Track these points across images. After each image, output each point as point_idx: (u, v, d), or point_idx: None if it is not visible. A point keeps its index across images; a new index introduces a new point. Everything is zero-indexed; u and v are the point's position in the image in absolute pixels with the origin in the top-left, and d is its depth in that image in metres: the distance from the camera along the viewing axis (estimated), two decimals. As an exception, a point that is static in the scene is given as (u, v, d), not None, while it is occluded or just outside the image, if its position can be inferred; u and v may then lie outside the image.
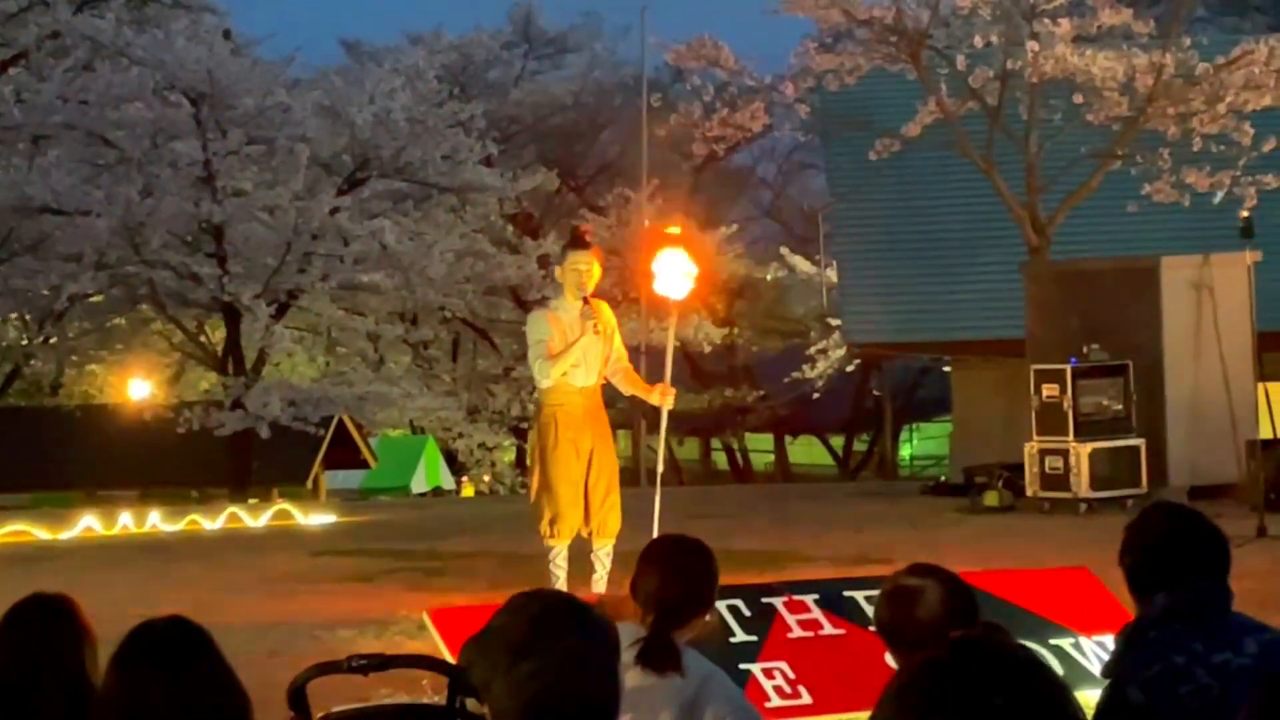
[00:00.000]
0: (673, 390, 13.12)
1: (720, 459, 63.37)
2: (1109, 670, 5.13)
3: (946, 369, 37.41)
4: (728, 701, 5.49)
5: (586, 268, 12.62)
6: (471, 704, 4.90)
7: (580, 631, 3.46)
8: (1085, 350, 20.57)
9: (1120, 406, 20.55)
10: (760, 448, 63.99)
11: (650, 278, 13.67)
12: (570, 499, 12.43)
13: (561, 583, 12.18)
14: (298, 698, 4.89)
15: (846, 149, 27.84)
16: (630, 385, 13.17)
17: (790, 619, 9.58)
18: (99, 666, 5.08)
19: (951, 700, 2.67)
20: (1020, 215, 23.37)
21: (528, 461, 12.97)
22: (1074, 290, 21.64)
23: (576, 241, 13.02)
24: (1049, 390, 20.48)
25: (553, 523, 12.44)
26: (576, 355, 12.46)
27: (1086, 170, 23.61)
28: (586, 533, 12.49)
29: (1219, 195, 23.48)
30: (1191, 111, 23.14)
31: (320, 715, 4.94)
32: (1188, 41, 23.60)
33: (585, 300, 12.59)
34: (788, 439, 62.65)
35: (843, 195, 29.58)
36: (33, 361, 43.94)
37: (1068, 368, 20.32)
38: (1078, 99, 23.32)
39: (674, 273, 13.42)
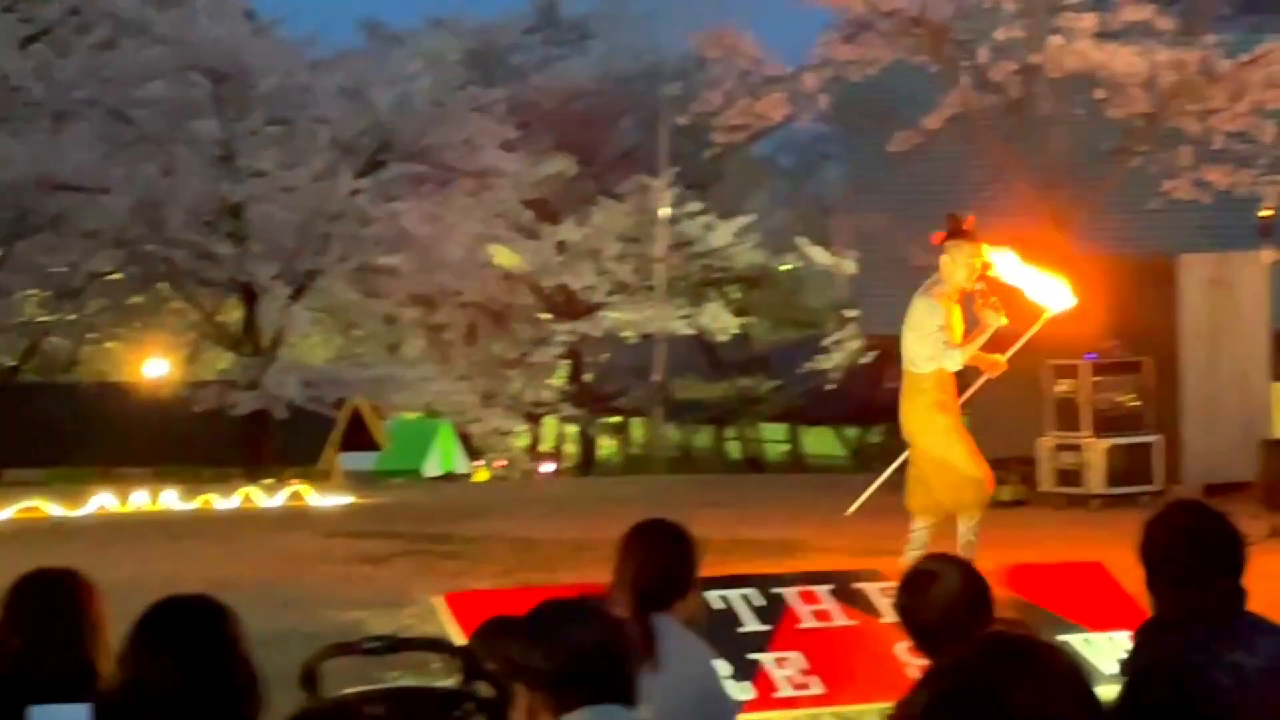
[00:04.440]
0: (1004, 365, 13.31)
1: (733, 448, 63.36)
2: (1125, 668, 5.12)
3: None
4: (699, 690, 5.51)
5: (978, 259, 12.79)
6: (483, 687, 4.90)
7: (605, 616, 4.08)
8: (1102, 346, 20.54)
9: (1136, 403, 20.52)
10: (774, 438, 63.99)
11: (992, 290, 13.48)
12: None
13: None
14: (310, 678, 4.90)
15: (866, 140, 27.78)
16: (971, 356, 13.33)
17: (802, 609, 9.57)
18: (104, 639, 5.10)
19: (978, 699, 2.69)
20: (1039, 210, 23.32)
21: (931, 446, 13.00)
22: (1093, 285, 21.58)
23: (967, 234, 13.11)
24: (1065, 385, 20.47)
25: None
26: (979, 343, 12.72)
27: (1107, 166, 23.56)
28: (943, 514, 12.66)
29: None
30: (1213, 109, 23.08)
31: (333, 697, 4.94)
32: (1210, 39, 23.53)
33: (984, 293, 12.80)
34: (802, 429, 62.63)
35: (862, 186, 29.55)
36: (50, 338, 43.99)
37: (1084, 363, 20.30)
38: (1099, 94, 23.26)
39: (1046, 284, 13.40)
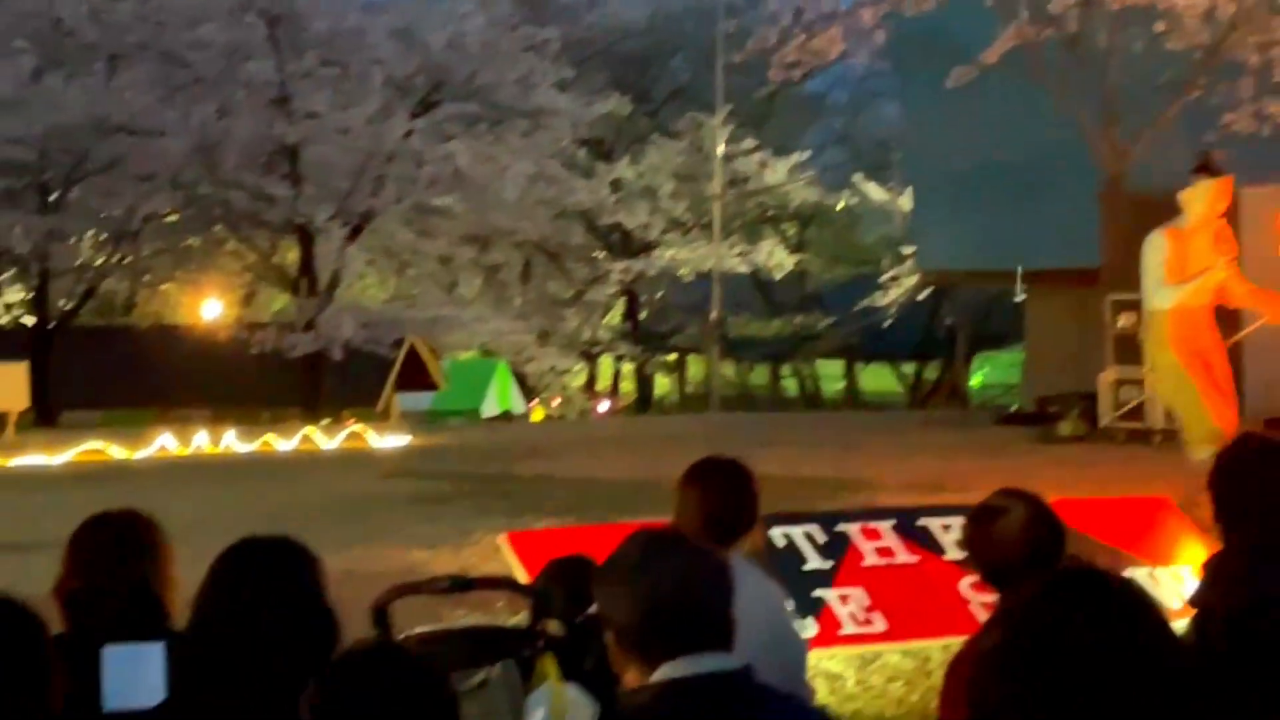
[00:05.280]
0: None
1: (790, 385, 63.34)
2: (1196, 600, 5.11)
3: (1019, 298, 37.22)
4: (769, 625, 5.51)
5: (1216, 195, 12.75)
6: (552, 625, 4.91)
7: (687, 554, 3.85)
8: (1163, 280, 20.38)
9: (1197, 337, 20.40)
10: (830, 374, 63.96)
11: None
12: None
13: None
14: (381, 617, 4.91)
15: (921, 75, 27.62)
16: (1246, 299, 13.25)
17: (865, 546, 9.55)
18: (171, 580, 5.12)
19: (1051, 636, 2.69)
20: (1097, 144, 23.16)
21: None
22: (1152, 219, 21.43)
23: (1209, 170, 13.10)
24: (1125, 320, 20.33)
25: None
26: (1199, 284, 12.64)
27: (1165, 99, 23.38)
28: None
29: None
30: (1273, 40, 22.84)
31: (404, 635, 4.95)
32: (1271, -32, 23.30)
33: (1219, 233, 12.76)
34: (858, 366, 62.58)
35: (917, 122, 29.40)
36: (107, 281, 44.19)
37: (1145, 298, 20.17)
38: (1159, 27, 23.05)
39: None
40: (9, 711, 3.91)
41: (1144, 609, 2.79)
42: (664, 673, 3.66)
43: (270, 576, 4.28)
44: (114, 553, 5.17)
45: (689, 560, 3.82)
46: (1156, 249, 12.79)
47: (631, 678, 3.75)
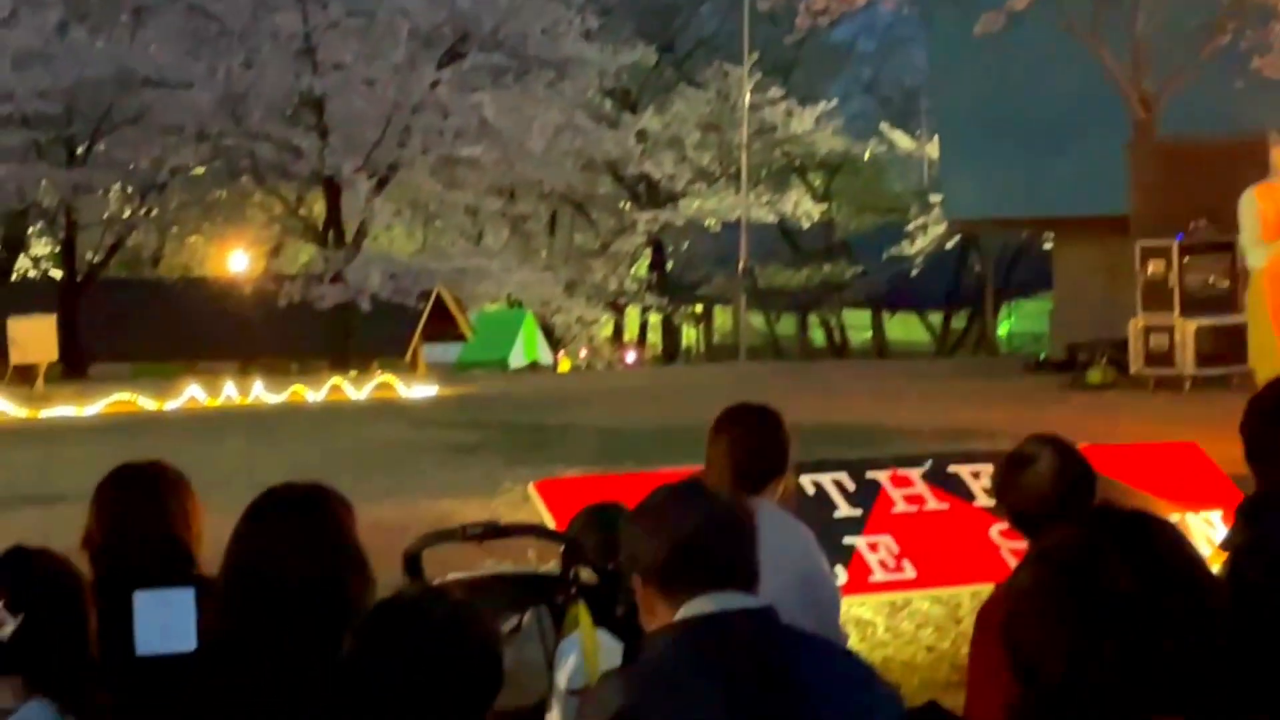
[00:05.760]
0: None
1: (817, 335, 63.30)
2: (1228, 544, 5.09)
3: (1047, 245, 37.11)
4: (800, 571, 5.51)
5: None
6: (584, 572, 4.92)
7: (710, 499, 3.95)
8: (1192, 226, 20.31)
9: (1226, 283, 20.30)
10: (857, 324, 63.88)
11: None
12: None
13: None
14: (413, 564, 4.92)
15: (949, 22, 27.50)
16: None
17: (895, 493, 9.54)
18: (197, 528, 5.14)
19: (1084, 576, 2.69)
20: (1126, 91, 23.06)
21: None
22: (1181, 167, 21.36)
23: None
24: (1155, 266, 20.27)
25: None
26: None
27: (1194, 45, 23.25)
28: None
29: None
30: (1304, -17, 22.71)
31: (437, 581, 4.95)
32: (1302, -91, 23.13)
33: None
34: (885, 315, 62.49)
35: (945, 69, 29.29)
36: (134, 234, 44.23)
37: (1174, 244, 20.10)
38: (1188, -30, 22.93)
39: None
40: (52, 658, 3.96)
41: (1181, 550, 2.78)
42: (686, 610, 3.74)
43: (303, 523, 4.28)
44: (139, 503, 5.19)
45: (712, 504, 3.93)
46: (1248, 207, 12.77)
47: (657, 621, 3.82)
